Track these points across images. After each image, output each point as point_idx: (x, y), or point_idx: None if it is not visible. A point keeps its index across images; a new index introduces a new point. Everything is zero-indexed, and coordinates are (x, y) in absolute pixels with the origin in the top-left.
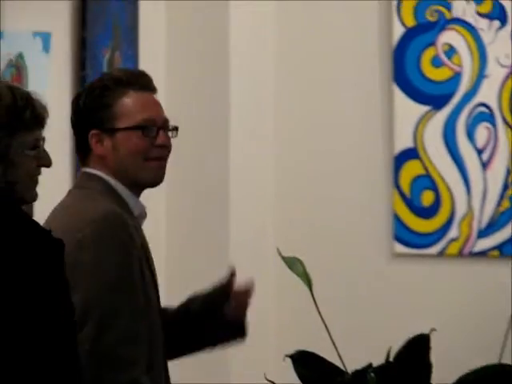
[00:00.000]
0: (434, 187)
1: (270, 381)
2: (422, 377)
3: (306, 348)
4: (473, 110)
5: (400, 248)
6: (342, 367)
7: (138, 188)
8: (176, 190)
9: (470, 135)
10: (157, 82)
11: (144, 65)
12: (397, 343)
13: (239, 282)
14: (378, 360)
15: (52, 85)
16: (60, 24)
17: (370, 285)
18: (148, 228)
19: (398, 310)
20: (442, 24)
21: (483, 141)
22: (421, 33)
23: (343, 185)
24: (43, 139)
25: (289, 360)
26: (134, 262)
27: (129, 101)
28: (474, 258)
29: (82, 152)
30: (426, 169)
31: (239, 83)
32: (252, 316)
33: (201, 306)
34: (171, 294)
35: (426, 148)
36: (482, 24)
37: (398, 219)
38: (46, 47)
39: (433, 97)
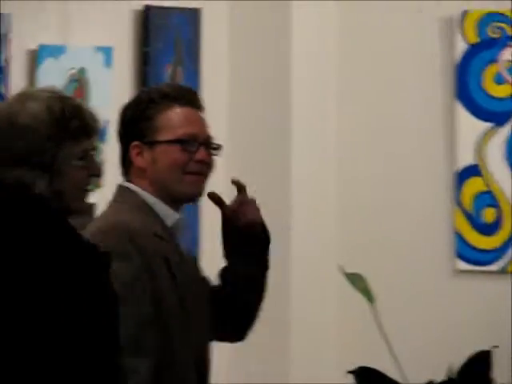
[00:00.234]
0: (495, 204)
1: None
2: None
3: (367, 364)
4: None
5: (462, 265)
6: (403, 383)
7: (176, 201)
8: None
9: None
10: (219, 95)
11: (207, 80)
12: (458, 359)
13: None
14: (439, 376)
15: (114, 100)
16: (122, 39)
17: (432, 301)
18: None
19: (460, 327)
20: (504, 41)
21: None
22: (483, 49)
23: (405, 202)
24: (94, 149)
25: (350, 376)
26: (135, 270)
27: (172, 115)
28: None
29: (124, 164)
30: (487, 185)
31: (301, 93)
32: (313, 331)
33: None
34: None
35: (487, 165)
36: None
37: (459, 236)
38: (108, 62)
39: (495, 113)
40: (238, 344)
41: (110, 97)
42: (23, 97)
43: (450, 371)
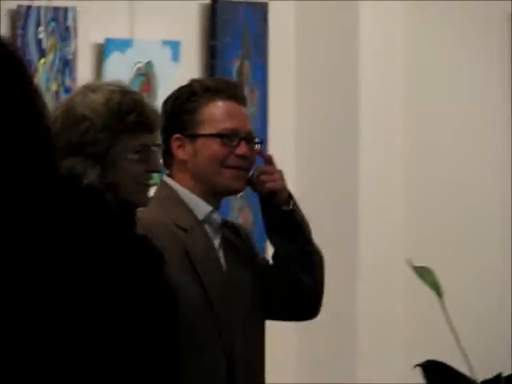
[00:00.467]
0: None
1: None
2: None
3: (434, 357)
4: None
5: None
6: (471, 377)
7: (215, 195)
8: (307, 202)
9: None
10: (286, 89)
11: (273, 74)
12: None
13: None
14: (507, 370)
15: None
16: (189, 32)
17: (500, 295)
18: None
19: None
20: None
21: None
22: None
23: (472, 196)
24: (156, 145)
25: (417, 369)
26: None
27: (214, 109)
28: None
29: (166, 156)
30: None
31: (369, 91)
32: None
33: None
34: None
35: None
36: None
37: None
38: (175, 56)
39: None
40: (306, 337)
41: None
42: (87, 89)
43: None
